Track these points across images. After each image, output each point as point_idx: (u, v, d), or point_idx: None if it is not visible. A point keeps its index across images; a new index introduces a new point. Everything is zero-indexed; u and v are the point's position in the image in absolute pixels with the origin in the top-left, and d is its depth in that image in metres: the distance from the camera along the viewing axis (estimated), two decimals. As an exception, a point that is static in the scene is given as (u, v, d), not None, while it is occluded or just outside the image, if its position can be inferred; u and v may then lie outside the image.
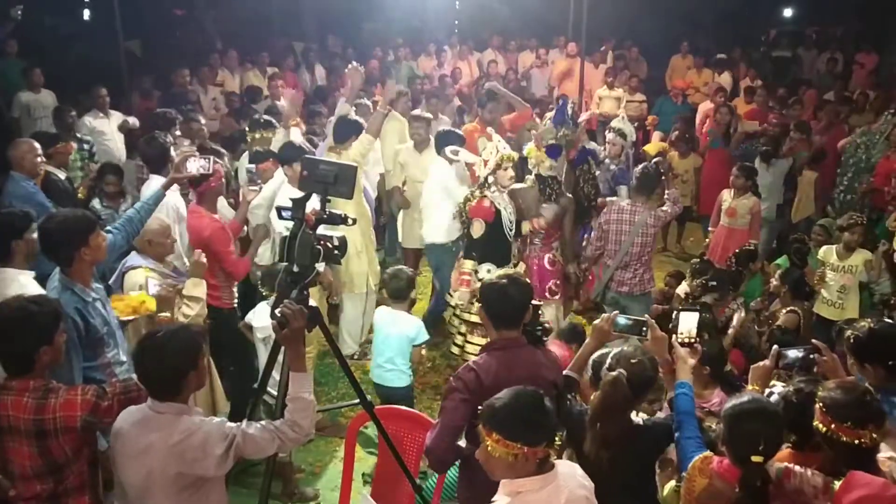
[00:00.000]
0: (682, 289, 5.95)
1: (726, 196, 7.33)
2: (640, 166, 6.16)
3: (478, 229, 5.60)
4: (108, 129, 8.25)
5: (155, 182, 5.14)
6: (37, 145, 5.74)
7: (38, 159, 5.71)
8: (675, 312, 3.42)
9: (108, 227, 4.12)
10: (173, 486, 2.75)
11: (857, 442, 2.64)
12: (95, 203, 6.38)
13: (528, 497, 2.48)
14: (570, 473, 2.63)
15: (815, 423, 2.73)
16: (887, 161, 7.63)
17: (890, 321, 3.58)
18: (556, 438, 2.53)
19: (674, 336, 3.35)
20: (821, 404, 2.73)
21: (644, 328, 3.28)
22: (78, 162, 7.29)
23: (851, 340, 3.32)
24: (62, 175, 6.41)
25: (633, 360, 3.16)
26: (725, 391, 4.26)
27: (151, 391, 2.82)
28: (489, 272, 5.42)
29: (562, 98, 8.45)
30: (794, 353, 3.31)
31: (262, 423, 2.90)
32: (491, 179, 5.64)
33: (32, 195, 5.54)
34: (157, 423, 2.77)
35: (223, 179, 5.08)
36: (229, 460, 2.79)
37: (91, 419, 2.98)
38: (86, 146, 7.53)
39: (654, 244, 6.12)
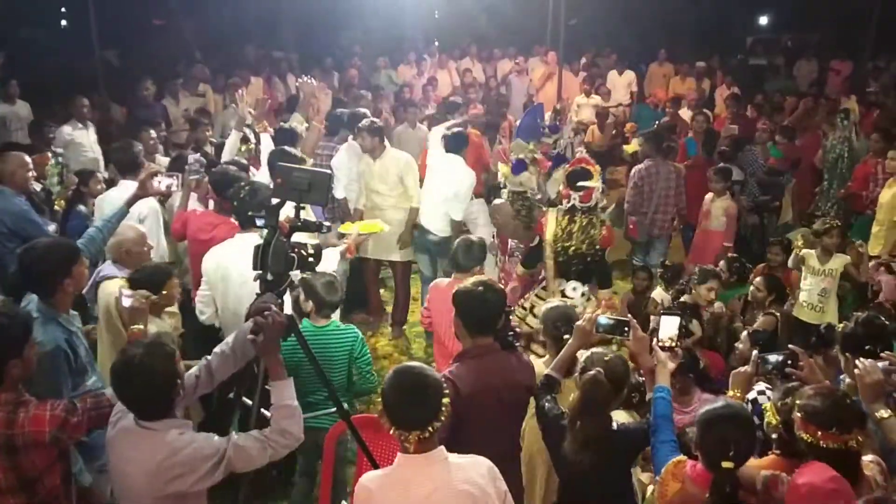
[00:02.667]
0: (658, 294, 5.99)
1: (706, 200, 7.46)
2: (646, 131, 7.98)
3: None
4: (86, 141, 8.14)
5: (124, 187, 5.14)
6: (28, 160, 5.48)
7: (29, 174, 5.45)
8: (657, 316, 3.44)
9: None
10: (156, 499, 2.71)
11: (844, 447, 2.63)
12: (82, 208, 6.32)
13: (394, 472, 2.55)
14: (465, 467, 2.58)
15: (798, 432, 2.72)
16: (864, 166, 7.74)
17: (876, 314, 3.76)
18: (430, 428, 2.49)
19: (654, 340, 3.37)
20: (801, 413, 2.71)
21: (626, 328, 3.29)
22: (55, 177, 7.19)
23: (840, 330, 3.51)
24: (38, 187, 6.32)
25: (606, 359, 3.16)
26: (706, 390, 4.28)
27: (137, 413, 2.74)
28: (574, 290, 5.33)
29: (532, 106, 8.44)
30: (774, 359, 3.33)
31: (253, 433, 2.87)
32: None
33: (25, 213, 5.29)
34: (142, 437, 2.71)
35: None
36: (218, 474, 2.74)
37: (59, 435, 2.92)
38: (60, 158, 7.42)
39: (678, 190, 7.60)
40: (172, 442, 2.69)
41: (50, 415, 2.92)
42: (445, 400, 2.54)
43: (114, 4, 10.71)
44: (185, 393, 2.89)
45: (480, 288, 3.28)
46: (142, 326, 3.46)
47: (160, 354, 2.75)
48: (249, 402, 3.31)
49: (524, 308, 5.46)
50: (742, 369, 3.35)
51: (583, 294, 5.32)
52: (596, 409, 3.04)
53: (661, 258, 7.60)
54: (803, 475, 2.61)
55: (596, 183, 5.46)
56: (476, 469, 2.60)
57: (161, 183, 4.47)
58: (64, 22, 14.70)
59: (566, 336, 3.57)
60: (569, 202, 5.28)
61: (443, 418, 2.52)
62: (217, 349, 3.14)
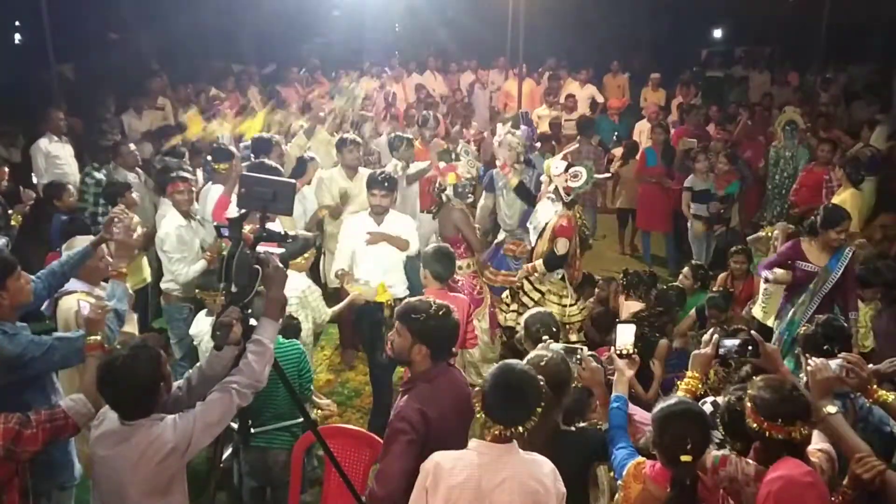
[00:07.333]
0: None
1: None
2: None
3: (562, 247, 5.68)
4: (62, 153, 8.01)
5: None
6: None
7: None
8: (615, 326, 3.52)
9: (31, 277, 3.90)
10: (142, 491, 2.77)
11: (788, 437, 2.72)
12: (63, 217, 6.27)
13: (468, 455, 2.75)
14: (533, 463, 2.75)
15: (748, 420, 2.81)
16: (812, 174, 7.95)
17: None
18: (515, 429, 2.69)
19: (612, 348, 3.43)
20: (751, 404, 2.81)
21: (577, 356, 3.36)
22: (91, 196, 7.04)
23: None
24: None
25: (542, 364, 3.19)
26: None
27: (121, 414, 2.81)
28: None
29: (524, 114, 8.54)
30: (731, 342, 3.38)
31: (216, 387, 2.97)
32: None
33: None
34: (125, 434, 2.79)
35: None
36: (195, 443, 2.83)
37: (13, 448, 2.91)
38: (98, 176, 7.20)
39: None
40: (154, 430, 2.78)
41: (3, 428, 2.91)
42: (539, 409, 2.72)
43: (68, 18, 10.55)
44: (169, 396, 2.95)
45: (443, 311, 3.14)
46: (98, 337, 3.41)
47: (144, 357, 2.81)
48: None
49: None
50: (701, 350, 3.42)
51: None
52: (540, 416, 2.81)
53: None
54: (778, 469, 2.69)
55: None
56: (542, 468, 2.76)
57: (118, 228, 4.37)
58: (18, 36, 14.41)
59: (545, 338, 3.75)
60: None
61: (529, 425, 2.70)
62: (196, 365, 3.22)
